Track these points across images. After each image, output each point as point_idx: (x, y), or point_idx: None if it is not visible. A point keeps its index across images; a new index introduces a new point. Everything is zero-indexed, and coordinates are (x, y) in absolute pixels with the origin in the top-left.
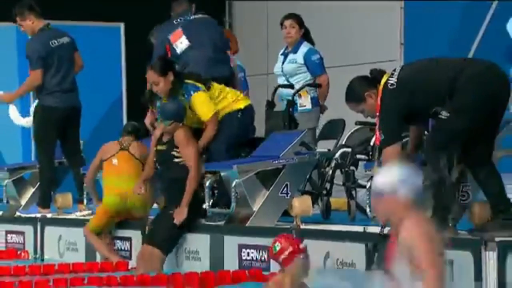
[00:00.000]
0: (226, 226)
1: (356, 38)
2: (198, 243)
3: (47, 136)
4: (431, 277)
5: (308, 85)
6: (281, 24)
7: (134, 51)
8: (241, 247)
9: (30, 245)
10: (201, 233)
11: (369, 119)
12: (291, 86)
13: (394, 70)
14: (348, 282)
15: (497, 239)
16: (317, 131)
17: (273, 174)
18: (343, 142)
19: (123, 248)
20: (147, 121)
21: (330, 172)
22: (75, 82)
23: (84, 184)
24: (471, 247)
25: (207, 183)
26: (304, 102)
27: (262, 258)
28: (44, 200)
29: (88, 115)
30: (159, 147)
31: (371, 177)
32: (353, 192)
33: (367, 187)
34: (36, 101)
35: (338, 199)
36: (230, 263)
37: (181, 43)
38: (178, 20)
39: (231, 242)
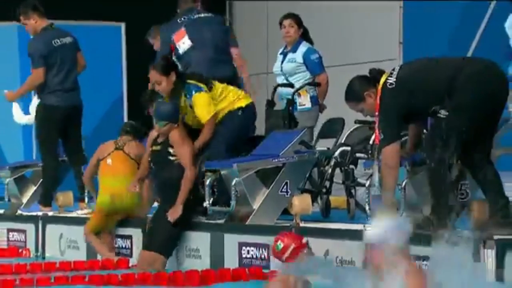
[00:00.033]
0: (226, 224)
1: (355, 37)
2: (198, 241)
3: (49, 135)
4: None
5: (308, 84)
6: (280, 23)
7: (135, 51)
8: (241, 245)
9: (32, 243)
10: (201, 231)
11: (369, 118)
12: (290, 85)
13: (393, 69)
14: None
15: (495, 237)
16: (316, 130)
17: (273, 173)
18: (343, 141)
19: (124, 246)
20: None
21: (330, 170)
22: (77, 81)
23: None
24: (469, 245)
25: (208, 182)
26: (304, 101)
27: (262, 256)
28: (46, 198)
29: (89, 114)
30: (154, 148)
31: (371, 176)
32: (353, 191)
33: (367, 185)
34: (35, 98)
35: (337, 198)
36: (230, 261)
37: (183, 43)
38: (182, 19)
39: (231, 240)
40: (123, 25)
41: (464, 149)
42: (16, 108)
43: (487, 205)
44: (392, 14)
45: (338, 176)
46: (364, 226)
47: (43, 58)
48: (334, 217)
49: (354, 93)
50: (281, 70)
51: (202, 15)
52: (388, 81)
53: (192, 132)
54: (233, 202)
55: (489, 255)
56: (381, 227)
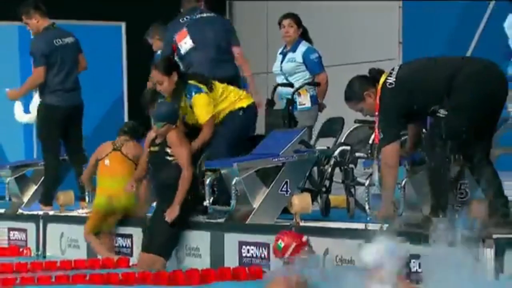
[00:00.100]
0: (227, 223)
1: (355, 37)
2: (198, 240)
3: (50, 135)
4: None
5: (308, 83)
6: (279, 23)
7: (135, 50)
8: (241, 244)
9: (33, 242)
10: (201, 230)
11: (368, 118)
12: (290, 84)
13: (393, 69)
14: None
15: (494, 236)
16: (316, 129)
17: (273, 172)
18: (342, 140)
19: (124, 245)
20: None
21: (330, 169)
22: (78, 81)
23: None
24: (469, 244)
25: (208, 181)
26: (304, 100)
27: (262, 255)
28: (47, 198)
29: (89, 113)
30: (152, 148)
31: (370, 175)
32: (352, 190)
33: (366, 184)
34: (36, 96)
35: (337, 197)
36: (231, 260)
37: (185, 43)
38: (185, 18)
39: (231, 239)
40: (123, 25)
41: (464, 148)
42: (18, 107)
43: (486, 204)
44: (392, 14)
45: (338, 175)
46: (365, 225)
47: (44, 57)
48: (333, 216)
49: (354, 93)
50: (281, 70)
51: (205, 15)
52: (388, 81)
53: (194, 132)
54: (233, 201)
55: (488, 254)
56: (378, 252)
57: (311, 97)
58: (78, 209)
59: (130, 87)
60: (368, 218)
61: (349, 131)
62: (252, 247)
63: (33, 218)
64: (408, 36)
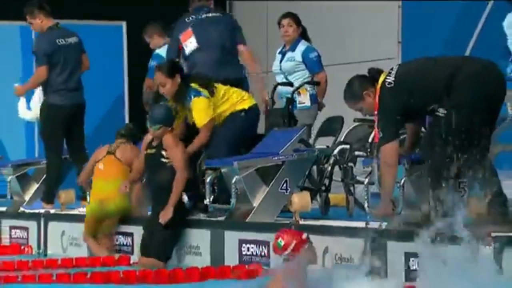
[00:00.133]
0: (227, 221)
1: (354, 37)
2: (199, 238)
3: (54, 133)
4: None
5: (307, 82)
6: (279, 23)
7: (136, 50)
8: (241, 242)
9: (34, 240)
10: (202, 228)
11: (367, 116)
12: (290, 84)
13: (392, 68)
14: None
15: (493, 234)
16: (316, 128)
17: (273, 171)
18: (342, 139)
19: (125, 243)
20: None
21: (329, 168)
22: (80, 81)
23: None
24: (467, 242)
25: (208, 179)
26: (303, 99)
27: (262, 253)
28: (49, 196)
29: (90, 112)
30: (148, 151)
31: (369, 173)
32: (352, 188)
33: (365, 183)
34: (36, 95)
35: (336, 195)
36: (231, 258)
37: (190, 43)
38: (190, 18)
39: (231, 237)
40: (124, 24)
41: (463, 147)
42: (22, 104)
43: (485, 203)
44: (391, 13)
45: (337, 174)
46: (366, 223)
47: (46, 56)
48: (333, 214)
49: (353, 92)
50: (280, 69)
51: (210, 14)
52: (387, 80)
53: (197, 133)
54: (233, 200)
55: (487, 252)
56: None
57: (311, 96)
58: (79, 207)
59: (130, 87)
60: (368, 217)
61: (348, 130)
62: (252, 245)
63: (35, 217)
64: (407, 36)
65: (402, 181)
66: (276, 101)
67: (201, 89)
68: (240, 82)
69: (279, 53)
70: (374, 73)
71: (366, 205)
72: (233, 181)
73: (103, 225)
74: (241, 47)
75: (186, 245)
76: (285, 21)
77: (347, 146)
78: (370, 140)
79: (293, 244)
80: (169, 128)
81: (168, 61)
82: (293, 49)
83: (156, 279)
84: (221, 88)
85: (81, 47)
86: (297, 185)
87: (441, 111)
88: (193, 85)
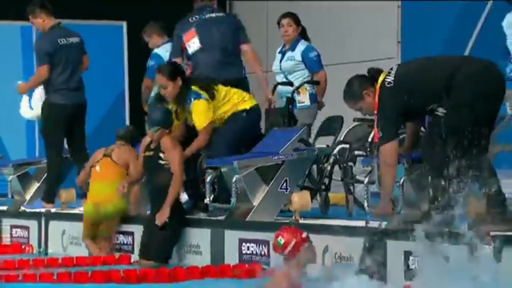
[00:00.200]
0: (227, 220)
1: (354, 36)
2: (199, 237)
3: (55, 133)
4: None
5: (307, 82)
6: (278, 23)
7: (137, 50)
8: (241, 241)
9: (35, 240)
10: (202, 227)
11: (367, 116)
12: (290, 83)
13: (391, 68)
14: None
15: (492, 233)
16: (315, 128)
17: (273, 170)
18: (342, 139)
19: (125, 242)
20: None
21: (329, 167)
22: (82, 80)
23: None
24: (466, 241)
25: (208, 179)
26: (303, 98)
27: (262, 252)
28: (49, 195)
29: (91, 112)
30: (147, 153)
31: (369, 173)
32: (351, 187)
33: (365, 182)
34: (36, 92)
35: (336, 194)
36: (231, 257)
37: (193, 43)
38: (194, 18)
39: (231, 236)
40: (124, 24)
41: (462, 146)
42: (24, 102)
43: (484, 202)
44: (391, 13)
45: (337, 173)
46: (366, 222)
47: (47, 56)
48: (333, 213)
49: (353, 92)
50: (280, 69)
51: (214, 15)
52: (387, 80)
53: (196, 136)
54: (233, 199)
55: (486, 251)
56: None
57: (310, 95)
58: (79, 206)
59: (131, 87)
60: (367, 216)
61: (348, 129)
62: (252, 244)
63: (35, 216)
64: (406, 36)
65: (402, 180)
66: (276, 101)
67: (201, 92)
68: (241, 83)
69: (279, 52)
70: (374, 73)
71: (365, 204)
72: (233, 180)
73: (101, 228)
74: (244, 47)
75: (186, 244)
76: (285, 21)
77: (347, 146)
78: (369, 139)
79: (293, 243)
80: (167, 130)
81: (170, 63)
82: (292, 48)
83: (157, 278)
84: (222, 89)
85: (82, 47)
86: (297, 185)
87: (441, 111)
88: (193, 87)
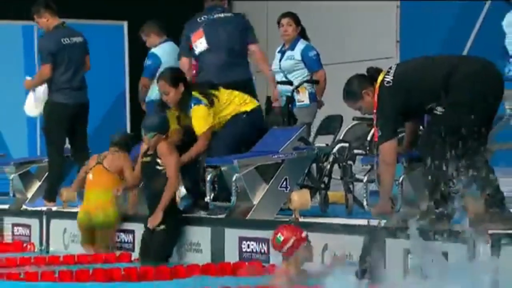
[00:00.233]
0: (227, 219)
1: (353, 36)
2: (199, 235)
3: (57, 132)
4: None
5: (307, 81)
6: (278, 22)
7: (137, 49)
8: (241, 239)
9: (36, 238)
10: (202, 226)
11: (366, 115)
12: (289, 82)
13: (390, 68)
14: None
15: (490, 231)
16: (315, 127)
17: (272, 169)
18: (341, 137)
19: (126, 240)
20: None
21: (328, 166)
22: (84, 80)
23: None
24: (465, 240)
25: (208, 177)
26: (302, 97)
27: (262, 250)
28: (51, 194)
29: (91, 112)
30: (144, 159)
31: (368, 171)
32: (351, 186)
33: (364, 181)
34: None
35: (336, 193)
36: (231, 255)
37: (200, 44)
38: (202, 18)
39: (231, 235)
40: (125, 24)
41: (460, 145)
42: (30, 99)
43: (482, 200)
44: (390, 13)
45: (336, 172)
46: (368, 221)
47: (51, 55)
48: (332, 212)
49: (352, 91)
50: (280, 68)
51: (222, 15)
52: (386, 79)
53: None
54: (233, 198)
55: (484, 250)
56: None
57: (310, 94)
58: (80, 205)
59: (132, 86)
60: (367, 215)
61: (347, 128)
62: (252, 243)
63: (37, 214)
64: (405, 35)
65: (401, 179)
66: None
67: (201, 98)
68: (247, 84)
69: (279, 52)
70: (373, 72)
71: (365, 203)
72: (233, 179)
73: (97, 236)
74: (252, 47)
75: (187, 242)
76: (284, 21)
77: (346, 145)
78: (369, 138)
79: (292, 241)
80: (163, 136)
81: (172, 69)
82: (292, 47)
83: (157, 276)
84: (223, 92)
85: (85, 47)
86: (297, 183)
87: (439, 110)
88: (194, 93)
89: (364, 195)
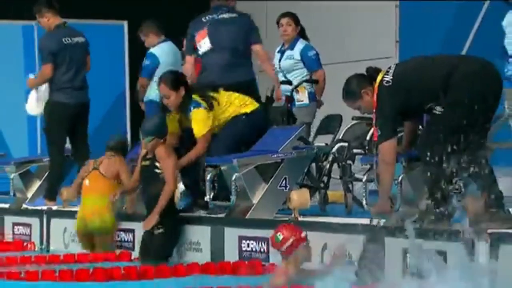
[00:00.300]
0: (227, 218)
1: (353, 36)
2: (199, 234)
3: (58, 131)
4: None
5: (306, 81)
6: (278, 22)
7: (137, 49)
8: (241, 238)
9: (36, 237)
10: (202, 225)
11: (365, 115)
12: (289, 82)
13: (390, 67)
14: None
15: (489, 231)
16: (314, 126)
17: (272, 168)
18: (340, 137)
19: (126, 239)
20: None
21: (328, 166)
22: (85, 80)
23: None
24: (464, 239)
25: (208, 177)
26: (302, 97)
27: (262, 250)
28: (51, 193)
29: (92, 111)
30: (143, 163)
31: (368, 171)
32: (350, 186)
33: (363, 180)
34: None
35: (335, 192)
36: (231, 254)
37: (204, 44)
38: (207, 17)
39: (231, 234)
40: (125, 24)
41: (459, 144)
42: (32, 98)
43: (481, 199)
44: (389, 13)
45: (336, 171)
46: (370, 220)
47: (51, 55)
48: (331, 211)
49: (352, 91)
50: (279, 68)
51: (226, 15)
52: (385, 79)
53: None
54: (233, 197)
55: (483, 249)
56: None
57: (309, 94)
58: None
59: (132, 86)
60: (367, 214)
61: (346, 128)
62: (251, 242)
63: (37, 213)
64: (404, 35)
65: (400, 178)
66: (274, 99)
67: (201, 101)
68: (251, 84)
69: (278, 51)
70: (372, 72)
71: (364, 202)
72: (233, 178)
73: (95, 242)
74: (256, 47)
75: (186, 242)
76: (284, 20)
77: (346, 144)
78: (368, 138)
79: (291, 240)
80: (161, 140)
81: (172, 73)
82: (291, 47)
83: (157, 274)
84: (223, 94)
85: (86, 48)
86: (296, 182)
87: (438, 110)
88: (194, 96)
89: (364, 194)
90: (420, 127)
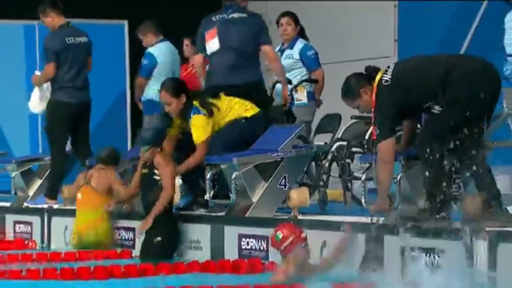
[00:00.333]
0: (227, 216)
1: (352, 35)
2: (199, 233)
3: (59, 130)
4: None
5: (305, 80)
6: (277, 22)
7: (138, 49)
8: (241, 236)
9: (38, 235)
10: (202, 223)
11: (364, 114)
12: (288, 81)
13: (388, 67)
14: None
15: (487, 229)
16: (314, 125)
17: (272, 167)
18: (339, 136)
19: (126, 238)
20: None
21: (327, 164)
22: (87, 79)
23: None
24: (462, 237)
25: (208, 175)
26: (301, 96)
27: (261, 248)
28: (52, 191)
29: (93, 110)
30: (143, 170)
31: (366, 169)
32: (349, 184)
33: (362, 179)
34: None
35: (334, 191)
36: (230, 252)
37: (213, 43)
38: (217, 17)
39: (231, 232)
40: (126, 23)
41: (457, 143)
42: (35, 96)
43: (479, 198)
44: (388, 13)
45: (335, 170)
46: (371, 219)
47: (55, 54)
48: (331, 209)
49: (351, 90)
50: None
51: (236, 15)
52: (384, 78)
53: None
54: (233, 195)
55: (481, 247)
56: None
57: (308, 93)
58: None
59: (132, 85)
60: (367, 213)
61: (345, 127)
62: (251, 240)
63: (38, 212)
64: (403, 35)
65: (399, 177)
66: (274, 98)
67: (200, 108)
68: (258, 85)
69: (278, 51)
70: (371, 71)
71: (363, 200)
72: (233, 177)
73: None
74: (265, 48)
75: (187, 240)
76: (283, 20)
77: (345, 143)
78: (367, 136)
79: (290, 239)
80: (158, 148)
81: (173, 80)
82: (291, 47)
83: (158, 272)
84: (224, 100)
85: (89, 48)
86: (296, 181)
87: (437, 109)
88: (194, 103)
89: (362, 193)
90: (419, 126)
